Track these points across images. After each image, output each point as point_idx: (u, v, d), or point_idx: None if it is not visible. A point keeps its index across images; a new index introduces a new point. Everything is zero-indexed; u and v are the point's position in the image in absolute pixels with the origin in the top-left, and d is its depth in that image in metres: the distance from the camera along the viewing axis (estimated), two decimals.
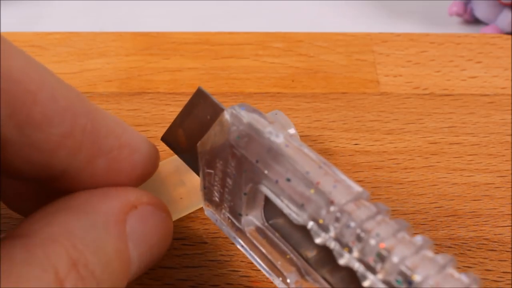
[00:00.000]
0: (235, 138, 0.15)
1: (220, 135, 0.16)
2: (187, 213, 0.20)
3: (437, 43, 0.27)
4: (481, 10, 0.32)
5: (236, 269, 0.18)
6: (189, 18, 0.32)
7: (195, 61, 0.26)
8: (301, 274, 0.16)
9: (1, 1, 0.33)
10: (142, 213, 0.15)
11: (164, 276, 0.18)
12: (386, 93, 0.25)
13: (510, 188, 0.21)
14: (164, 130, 0.23)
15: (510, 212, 0.20)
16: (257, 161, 0.15)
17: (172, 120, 0.18)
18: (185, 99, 0.18)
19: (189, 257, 0.18)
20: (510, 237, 0.19)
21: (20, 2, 0.33)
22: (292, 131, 0.21)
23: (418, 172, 0.21)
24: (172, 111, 0.24)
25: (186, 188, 0.19)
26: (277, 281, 0.16)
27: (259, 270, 0.18)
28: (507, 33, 0.29)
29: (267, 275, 0.17)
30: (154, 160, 0.16)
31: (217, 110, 0.16)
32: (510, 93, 0.25)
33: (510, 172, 0.21)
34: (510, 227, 0.20)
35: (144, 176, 0.16)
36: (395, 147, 0.22)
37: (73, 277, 0.12)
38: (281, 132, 0.15)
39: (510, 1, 0.30)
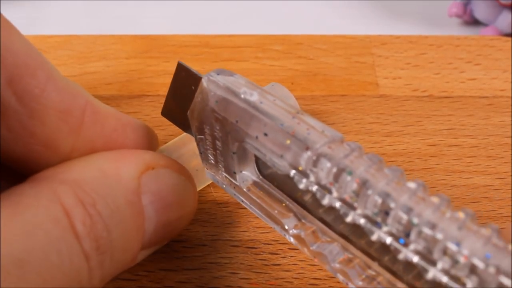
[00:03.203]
0: (214, 102, 0.16)
1: (202, 102, 0.17)
2: (206, 184, 0.20)
3: (436, 45, 0.27)
4: (480, 11, 0.32)
5: (235, 271, 0.18)
6: (189, 21, 0.32)
7: (195, 64, 0.26)
8: (298, 218, 0.17)
9: (1, 2, 0.33)
10: (159, 173, 0.16)
11: (164, 278, 0.18)
12: (385, 96, 0.25)
13: (509, 190, 0.21)
14: (164, 132, 0.23)
15: (509, 214, 0.20)
16: (237, 121, 0.16)
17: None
18: None
19: (188, 259, 0.19)
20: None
21: (20, 3, 0.33)
22: (292, 102, 0.21)
23: (417, 174, 0.21)
24: None
25: (200, 160, 0.19)
26: (278, 229, 0.17)
27: (259, 272, 0.18)
28: (507, 34, 0.29)
29: (269, 224, 0.17)
30: (155, 137, 0.18)
31: (197, 79, 0.17)
32: (509, 95, 0.25)
33: (509, 174, 0.21)
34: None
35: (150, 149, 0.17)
36: (394, 149, 0.22)
37: (80, 211, 0.13)
38: (255, 91, 0.16)
39: (509, 2, 0.30)
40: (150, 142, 0.17)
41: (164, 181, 0.16)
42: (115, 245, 0.14)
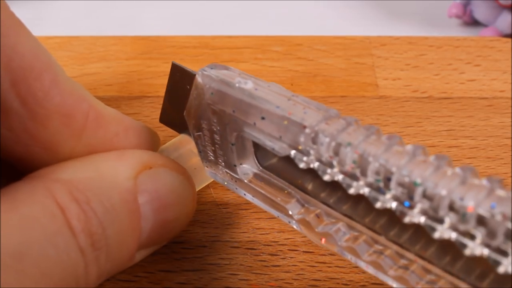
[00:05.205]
0: (210, 95, 0.16)
1: (198, 98, 0.17)
2: (205, 183, 0.20)
3: (435, 46, 0.27)
4: (480, 12, 0.32)
5: (235, 273, 0.18)
6: (188, 22, 0.32)
7: (194, 65, 0.26)
8: (301, 203, 0.17)
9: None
10: (156, 172, 0.16)
11: (163, 279, 0.18)
12: (385, 97, 0.25)
13: (509, 191, 0.21)
14: (164, 134, 0.23)
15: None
16: (233, 111, 0.16)
17: None
18: None
19: (188, 260, 0.19)
20: None
21: (20, 3, 0.33)
22: None
23: None
24: None
25: (198, 159, 0.19)
26: (283, 218, 0.17)
27: (259, 273, 0.18)
28: (507, 35, 0.29)
29: (273, 213, 0.18)
30: (157, 139, 0.18)
31: (191, 77, 0.17)
32: (509, 96, 0.25)
33: (509, 175, 0.21)
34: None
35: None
36: None
37: (74, 208, 0.13)
38: (249, 79, 0.16)
39: (509, 3, 0.30)
40: (152, 145, 0.17)
41: (161, 181, 0.16)
42: (111, 242, 0.14)
